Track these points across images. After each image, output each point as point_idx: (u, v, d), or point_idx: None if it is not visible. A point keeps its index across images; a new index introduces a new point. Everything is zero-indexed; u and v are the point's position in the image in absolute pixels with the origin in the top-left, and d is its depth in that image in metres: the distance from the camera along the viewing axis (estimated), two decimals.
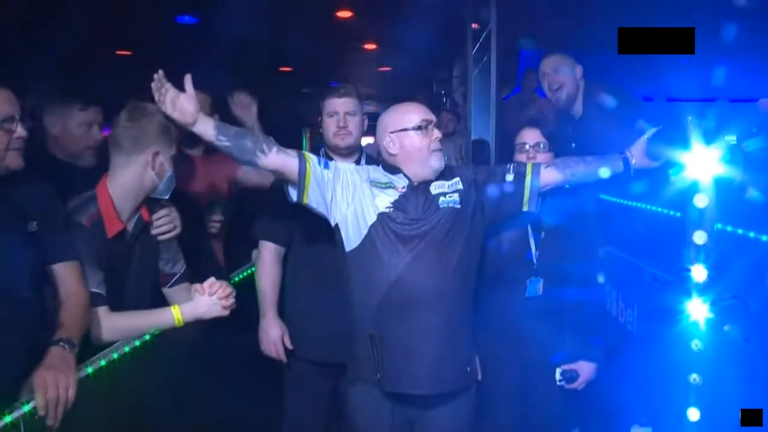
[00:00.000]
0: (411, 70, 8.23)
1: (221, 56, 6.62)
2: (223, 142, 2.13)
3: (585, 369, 2.53)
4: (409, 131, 2.21)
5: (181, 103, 2.06)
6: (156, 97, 2.06)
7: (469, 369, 2.28)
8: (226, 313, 2.15)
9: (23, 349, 1.72)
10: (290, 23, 6.04)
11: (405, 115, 2.25)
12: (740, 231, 1.87)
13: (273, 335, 2.59)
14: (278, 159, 2.17)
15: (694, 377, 1.94)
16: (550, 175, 2.30)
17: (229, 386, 2.67)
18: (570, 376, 2.53)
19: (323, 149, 2.66)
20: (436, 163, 2.23)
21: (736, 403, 2.03)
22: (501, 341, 2.52)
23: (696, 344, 1.94)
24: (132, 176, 2.09)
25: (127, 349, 1.95)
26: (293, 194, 2.21)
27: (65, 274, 1.89)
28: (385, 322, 2.16)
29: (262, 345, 2.62)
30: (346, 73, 9.27)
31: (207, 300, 2.12)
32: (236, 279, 2.93)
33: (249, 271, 2.98)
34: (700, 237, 1.88)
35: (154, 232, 2.20)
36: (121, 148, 2.09)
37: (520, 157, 2.53)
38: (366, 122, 2.65)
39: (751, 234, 1.82)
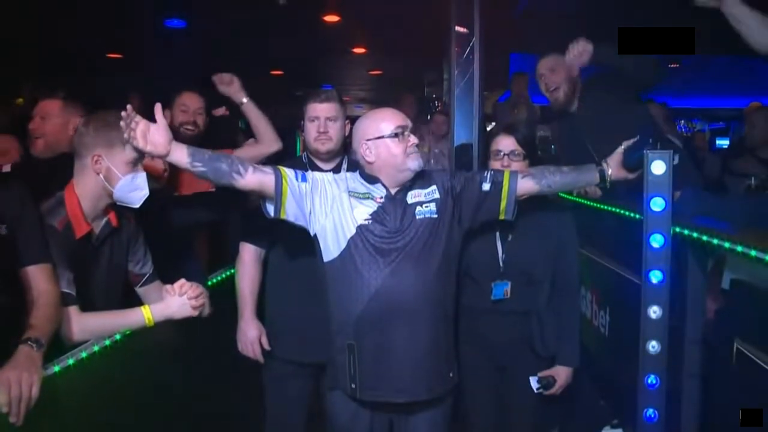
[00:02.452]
0: (402, 73, 8.28)
1: (210, 59, 6.67)
2: (199, 168, 2.12)
3: (562, 374, 2.50)
4: (385, 138, 2.21)
5: (152, 135, 2.05)
6: (126, 134, 2.04)
7: (451, 374, 2.28)
8: (196, 313, 2.17)
9: None
10: (278, 27, 6.08)
11: (380, 123, 2.23)
12: (695, 234, 1.91)
13: (250, 335, 2.60)
14: (255, 178, 2.16)
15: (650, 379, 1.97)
16: (526, 185, 2.28)
17: (208, 386, 2.69)
18: (547, 383, 2.49)
19: (305, 153, 2.67)
20: (413, 163, 2.20)
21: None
22: (471, 345, 2.51)
23: (653, 346, 1.97)
24: (87, 181, 2.13)
25: (96, 348, 1.95)
26: (271, 210, 2.22)
27: (36, 275, 1.91)
28: (365, 332, 2.17)
29: (239, 345, 2.63)
30: (338, 77, 9.33)
31: (177, 300, 2.14)
32: (214, 281, 2.95)
33: (227, 274, 3.02)
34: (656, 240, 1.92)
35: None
36: (76, 153, 2.15)
37: (495, 164, 2.50)
38: (348, 127, 2.61)
39: (704, 237, 1.86)
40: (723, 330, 1.91)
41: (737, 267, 1.91)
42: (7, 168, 2.91)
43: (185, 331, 2.48)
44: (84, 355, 1.90)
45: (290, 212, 2.21)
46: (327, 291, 2.25)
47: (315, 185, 2.24)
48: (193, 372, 2.60)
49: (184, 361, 2.51)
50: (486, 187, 2.27)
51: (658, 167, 2.00)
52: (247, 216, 2.65)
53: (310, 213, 2.22)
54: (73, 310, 1.99)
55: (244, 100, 3.18)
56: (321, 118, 2.53)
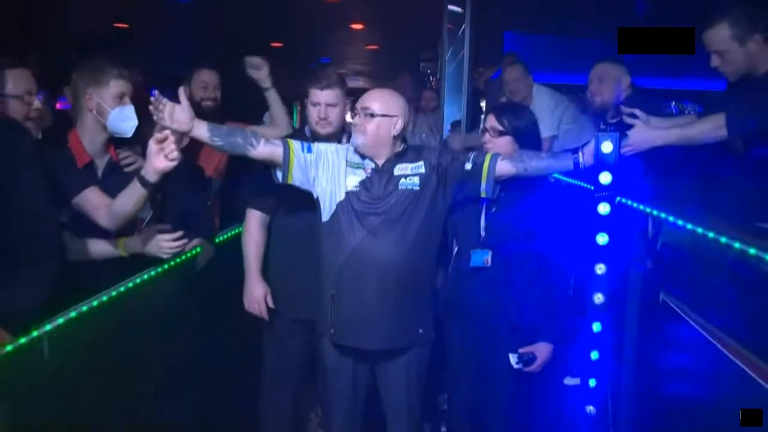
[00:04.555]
0: (398, 48, 8.46)
1: (214, 31, 6.88)
2: (217, 142, 2.45)
3: (543, 351, 2.54)
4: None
5: (177, 114, 2.37)
6: (155, 116, 2.37)
7: (421, 330, 2.55)
8: (166, 255, 2.51)
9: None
10: (280, 1, 6.26)
11: None
12: (635, 204, 2.24)
13: (257, 294, 2.81)
14: (266, 150, 2.49)
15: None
16: (505, 167, 2.47)
17: (212, 339, 2.85)
18: (527, 359, 2.51)
19: (308, 128, 2.85)
20: (353, 141, 2.53)
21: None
22: (455, 313, 2.67)
23: (598, 298, 2.32)
24: (84, 119, 2.49)
25: (85, 308, 2.02)
26: (279, 176, 2.53)
27: (86, 202, 2.34)
28: (344, 284, 2.47)
29: (245, 303, 2.83)
30: (335, 50, 9.51)
31: (154, 243, 2.48)
32: (222, 238, 3.17)
33: (232, 233, 3.24)
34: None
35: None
36: (74, 100, 2.52)
37: (483, 140, 2.67)
38: (348, 106, 2.82)
39: (641, 207, 2.19)
40: (653, 285, 2.27)
41: (668, 232, 2.26)
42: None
43: (194, 285, 2.74)
44: (73, 315, 1.96)
45: (296, 178, 2.53)
46: (320, 248, 2.57)
47: (319, 155, 2.56)
48: (200, 325, 2.77)
49: (189, 315, 2.69)
50: (468, 166, 2.51)
51: (606, 147, 2.32)
52: (252, 184, 2.88)
53: (314, 179, 2.54)
54: (66, 235, 2.33)
55: (269, 85, 3.43)
56: (322, 105, 2.71)
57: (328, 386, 2.69)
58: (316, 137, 2.76)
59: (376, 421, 2.71)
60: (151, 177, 2.32)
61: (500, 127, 2.61)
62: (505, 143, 2.60)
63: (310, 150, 2.55)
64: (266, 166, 2.58)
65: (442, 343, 2.68)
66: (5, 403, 1.63)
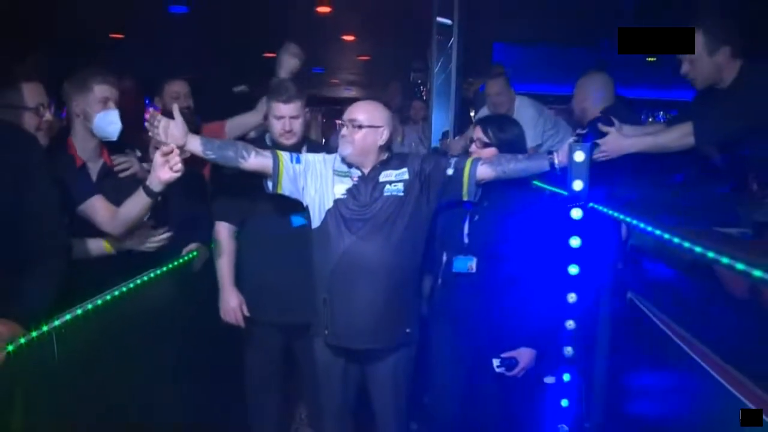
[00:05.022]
0: (389, 59, 8.60)
1: (210, 43, 7.00)
2: (210, 155, 2.59)
3: (525, 356, 2.59)
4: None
5: (171, 130, 2.51)
6: (150, 131, 2.53)
7: (408, 330, 2.66)
8: (149, 249, 2.65)
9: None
10: (274, 15, 6.40)
11: None
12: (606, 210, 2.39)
13: (232, 304, 2.90)
14: (256, 161, 2.61)
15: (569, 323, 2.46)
16: (485, 171, 2.57)
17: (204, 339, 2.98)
18: (509, 363, 2.55)
19: (269, 136, 2.92)
20: (340, 151, 2.64)
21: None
22: (443, 319, 2.74)
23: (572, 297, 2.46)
24: (75, 126, 2.62)
25: (90, 306, 2.09)
26: (270, 186, 2.66)
27: (92, 210, 2.46)
28: (335, 287, 2.58)
29: (222, 313, 2.92)
30: (328, 62, 9.67)
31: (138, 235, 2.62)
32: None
33: None
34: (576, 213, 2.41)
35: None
36: (68, 109, 2.63)
37: (470, 150, 2.75)
38: (308, 115, 2.93)
39: (611, 212, 2.35)
40: (622, 283, 2.42)
41: (636, 235, 2.41)
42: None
43: (192, 286, 2.87)
44: (79, 312, 2.05)
45: (286, 188, 2.65)
46: (313, 254, 2.68)
47: (307, 166, 2.67)
48: (195, 324, 2.90)
49: (186, 313, 2.83)
50: (450, 171, 2.61)
51: (579, 156, 2.46)
52: (219, 198, 2.99)
53: (303, 188, 2.66)
54: None
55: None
56: (286, 118, 2.80)
57: (321, 385, 2.82)
58: (279, 148, 2.79)
59: (366, 418, 2.85)
60: (156, 187, 2.46)
61: (486, 139, 2.69)
62: (490, 154, 2.67)
63: (298, 161, 2.67)
64: (248, 176, 2.69)
65: (429, 346, 2.78)
66: (20, 390, 1.76)
